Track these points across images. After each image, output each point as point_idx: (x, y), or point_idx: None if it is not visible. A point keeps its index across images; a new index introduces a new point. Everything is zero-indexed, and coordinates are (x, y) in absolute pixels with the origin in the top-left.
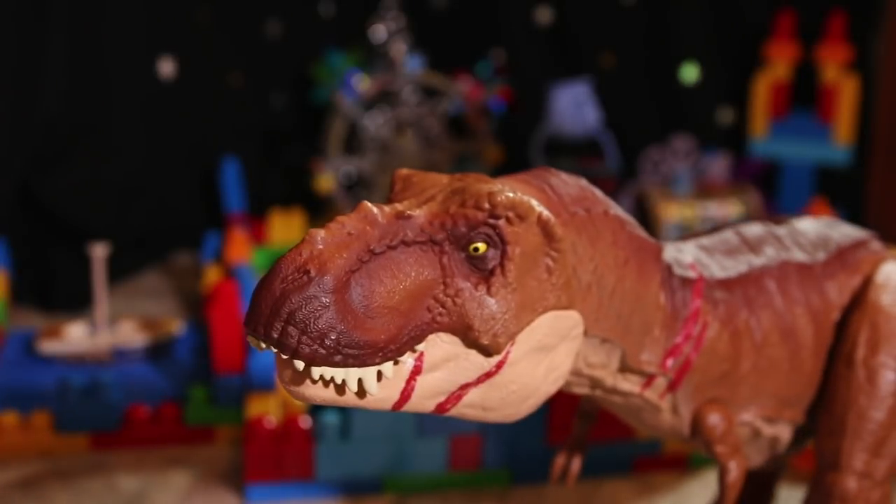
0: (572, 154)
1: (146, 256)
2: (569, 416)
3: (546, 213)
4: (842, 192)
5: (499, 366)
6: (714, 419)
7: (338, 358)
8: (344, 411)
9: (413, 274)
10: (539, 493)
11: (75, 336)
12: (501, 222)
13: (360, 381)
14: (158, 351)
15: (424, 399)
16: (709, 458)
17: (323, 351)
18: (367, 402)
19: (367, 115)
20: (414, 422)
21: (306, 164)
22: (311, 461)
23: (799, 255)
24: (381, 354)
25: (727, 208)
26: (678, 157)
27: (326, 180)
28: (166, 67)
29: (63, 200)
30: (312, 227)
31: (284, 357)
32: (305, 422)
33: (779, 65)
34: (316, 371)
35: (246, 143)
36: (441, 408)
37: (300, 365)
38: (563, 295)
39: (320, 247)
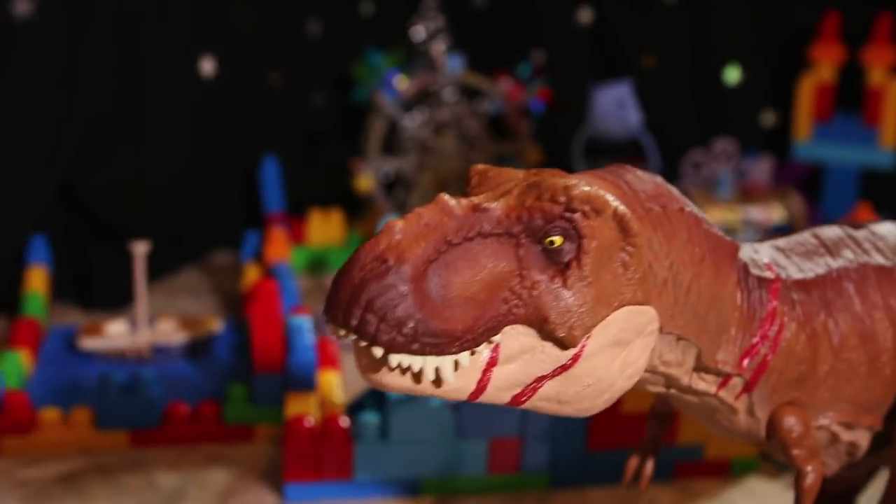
0: (613, 155)
1: (185, 255)
2: (609, 421)
3: (622, 207)
4: (887, 196)
5: (574, 359)
6: (791, 422)
7: (415, 346)
8: (383, 412)
9: (490, 265)
10: (579, 498)
11: (116, 333)
12: (577, 216)
13: (436, 370)
14: (198, 349)
15: (500, 391)
16: (786, 463)
17: (401, 339)
18: (443, 392)
19: (406, 115)
20: (453, 424)
21: (346, 164)
22: (350, 461)
23: (879, 259)
24: (458, 344)
25: (769, 212)
26: (720, 159)
27: (366, 180)
28: (207, 67)
29: (104, 199)
30: (394, 220)
31: (363, 344)
32: (344, 422)
33: (823, 67)
34: (394, 359)
35: (285, 143)
36: (517, 400)
37: (378, 352)
38: (638, 290)
39: (398, 237)
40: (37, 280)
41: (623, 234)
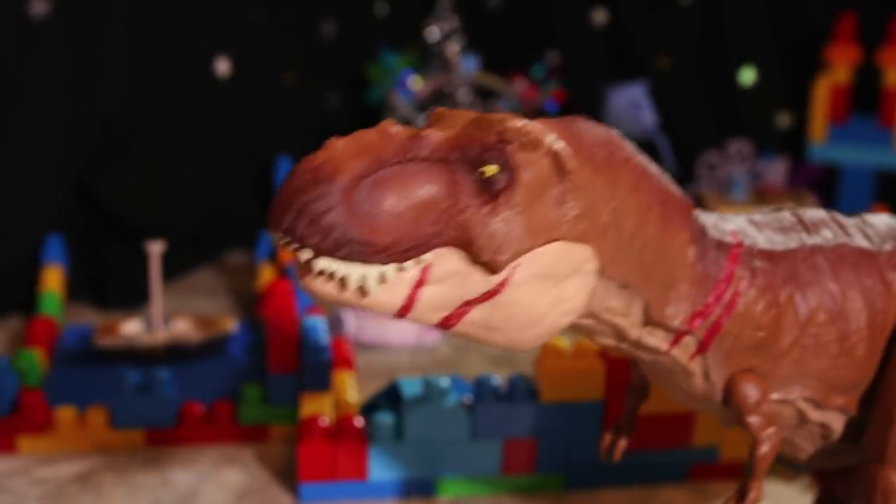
0: None
1: (200, 255)
2: None
3: (559, 144)
4: None
5: (501, 285)
6: (748, 388)
7: (341, 251)
8: (398, 412)
9: (421, 187)
10: (594, 499)
11: (131, 333)
12: (511, 147)
13: (361, 278)
14: (213, 349)
15: (428, 311)
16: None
17: (327, 243)
18: (370, 303)
19: (421, 116)
20: (468, 424)
21: None
22: (365, 462)
23: (861, 242)
24: (383, 254)
25: None
26: (735, 161)
27: None
28: (222, 66)
29: (119, 198)
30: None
31: (294, 247)
32: (359, 422)
33: (839, 68)
34: (320, 263)
35: (300, 143)
36: (446, 322)
37: (306, 254)
38: (574, 227)
39: (336, 152)
40: (53, 279)
41: (558, 170)
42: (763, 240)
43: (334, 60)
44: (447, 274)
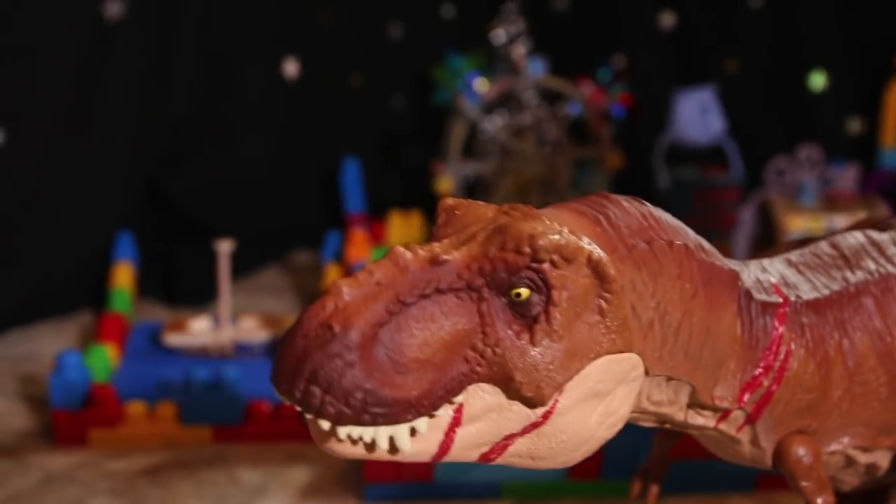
0: (695, 162)
1: (267, 254)
2: None
3: (597, 252)
4: None
5: (546, 416)
6: (799, 453)
7: (365, 417)
8: None
9: (448, 324)
10: None
11: (199, 330)
12: (545, 266)
13: (390, 438)
14: None
15: (466, 450)
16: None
17: (349, 411)
18: (402, 457)
19: (487, 119)
20: None
21: (426, 166)
22: (431, 463)
23: None
24: (413, 411)
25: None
26: (804, 167)
27: (446, 182)
28: (291, 68)
29: (188, 197)
30: (342, 278)
31: (309, 417)
32: None
33: None
34: (342, 431)
35: (366, 144)
36: (485, 457)
37: (326, 425)
38: (618, 338)
39: (346, 299)
40: (123, 276)
41: (599, 280)
42: (807, 287)
43: (401, 62)
44: (484, 411)
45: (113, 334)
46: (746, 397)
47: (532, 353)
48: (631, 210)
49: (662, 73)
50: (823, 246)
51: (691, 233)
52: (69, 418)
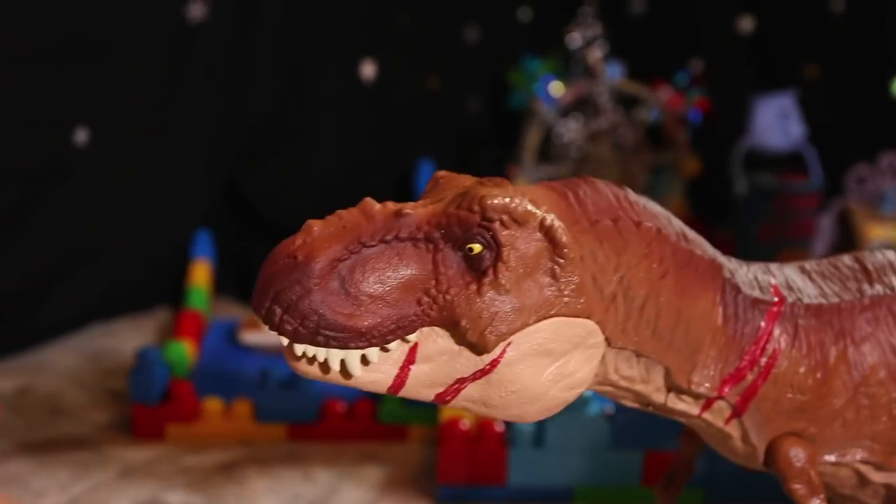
0: (773, 169)
1: None
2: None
3: (550, 218)
4: None
5: (493, 364)
6: (791, 453)
7: (319, 339)
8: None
9: (402, 268)
10: None
11: None
12: (495, 225)
13: (342, 361)
14: None
15: (420, 387)
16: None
17: (304, 330)
18: (358, 383)
19: (563, 123)
20: (609, 433)
21: (501, 170)
22: (504, 467)
23: None
24: (363, 339)
25: None
26: (886, 175)
27: None
28: (368, 70)
29: (265, 197)
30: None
31: (273, 332)
32: (500, 427)
33: None
34: (298, 348)
35: (442, 147)
36: (440, 398)
37: (284, 341)
38: (571, 301)
39: (313, 235)
40: (201, 274)
41: (552, 245)
42: (813, 292)
43: (477, 65)
44: (436, 353)
45: (190, 331)
46: (728, 388)
47: (478, 302)
48: (604, 191)
49: (740, 78)
50: (845, 259)
51: (676, 221)
52: (147, 413)
